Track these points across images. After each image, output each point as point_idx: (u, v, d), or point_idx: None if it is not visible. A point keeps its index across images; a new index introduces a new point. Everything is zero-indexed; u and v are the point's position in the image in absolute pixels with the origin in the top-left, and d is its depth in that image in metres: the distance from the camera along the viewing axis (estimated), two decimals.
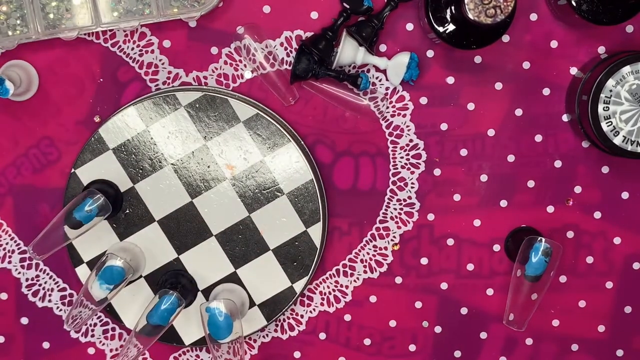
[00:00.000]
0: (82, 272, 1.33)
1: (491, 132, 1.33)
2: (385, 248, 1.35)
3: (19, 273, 1.35)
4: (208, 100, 1.29)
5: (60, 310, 1.36)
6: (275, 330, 1.36)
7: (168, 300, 1.25)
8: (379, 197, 1.34)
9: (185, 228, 1.31)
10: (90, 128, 1.32)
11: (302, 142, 1.32)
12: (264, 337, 1.36)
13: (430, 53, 1.31)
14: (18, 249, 1.35)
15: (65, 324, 1.26)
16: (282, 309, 1.33)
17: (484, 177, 1.33)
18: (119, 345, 1.37)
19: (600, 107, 1.24)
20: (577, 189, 1.33)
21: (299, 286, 1.32)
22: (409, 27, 1.31)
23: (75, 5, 1.28)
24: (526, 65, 1.31)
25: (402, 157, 1.33)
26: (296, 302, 1.35)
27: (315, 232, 1.31)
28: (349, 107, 1.29)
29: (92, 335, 1.37)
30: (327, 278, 1.35)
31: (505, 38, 1.30)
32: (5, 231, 1.35)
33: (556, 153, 1.33)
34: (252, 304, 1.33)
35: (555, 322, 1.36)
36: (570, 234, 1.34)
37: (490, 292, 1.35)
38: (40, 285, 1.36)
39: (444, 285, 1.35)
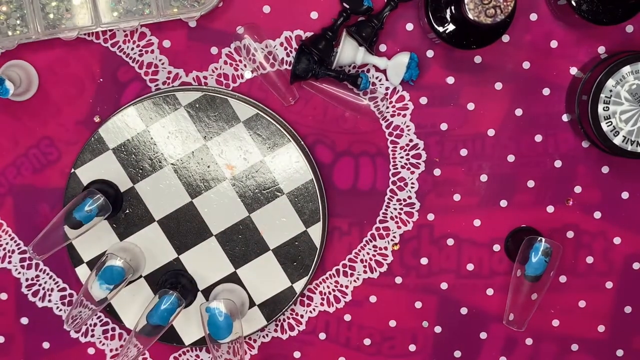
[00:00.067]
0: (82, 272, 1.33)
1: (491, 132, 1.33)
2: (385, 248, 1.35)
3: (19, 273, 1.35)
4: (208, 100, 1.29)
5: (60, 310, 1.36)
6: (275, 330, 1.36)
7: (168, 300, 1.25)
8: (379, 197, 1.34)
9: (185, 228, 1.31)
10: (90, 128, 1.32)
11: (302, 142, 1.32)
12: (264, 337, 1.36)
13: (430, 53, 1.31)
14: (18, 249, 1.35)
15: (65, 324, 1.26)
16: (282, 309, 1.33)
17: (484, 177, 1.33)
18: (119, 345, 1.37)
19: (600, 107, 1.24)
20: (577, 189, 1.33)
21: (299, 286, 1.32)
22: (409, 27, 1.31)
23: (75, 5, 1.28)
24: (526, 65, 1.31)
25: (402, 157, 1.33)
26: (296, 302, 1.35)
27: (315, 232, 1.31)
28: (349, 107, 1.29)
29: (92, 335, 1.37)
30: (327, 278, 1.35)
31: (505, 38, 1.30)
32: (5, 231, 1.35)
33: (556, 153, 1.33)
34: (252, 304, 1.33)
35: (555, 322, 1.36)
36: (570, 234, 1.34)
37: (490, 292, 1.35)
38: (40, 285, 1.36)
39: (444, 285, 1.35)
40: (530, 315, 1.27)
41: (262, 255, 1.32)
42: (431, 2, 1.23)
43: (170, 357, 1.37)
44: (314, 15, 1.30)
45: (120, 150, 1.30)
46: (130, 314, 1.33)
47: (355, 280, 1.35)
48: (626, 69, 1.23)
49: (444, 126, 1.32)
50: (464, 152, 1.33)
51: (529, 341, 1.36)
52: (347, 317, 1.36)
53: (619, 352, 1.36)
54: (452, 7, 1.23)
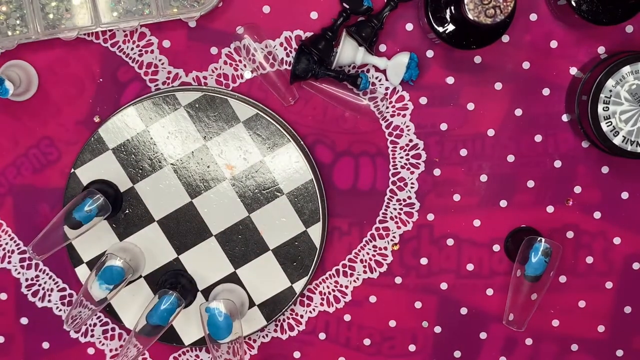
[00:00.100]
0: (82, 272, 1.33)
1: (491, 132, 1.32)
2: (385, 248, 1.35)
3: (19, 273, 1.35)
4: (208, 101, 1.29)
5: (60, 310, 1.36)
6: (275, 331, 1.36)
7: (168, 300, 1.25)
8: (378, 197, 1.34)
9: (185, 228, 1.31)
10: (90, 128, 1.32)
11: (302, 142, 1.32)
12: (263, 337, 1.36)
13: (430, 53, 1.31)
14: (18, 249, 1.35)
15: (65, 324, 1.26)
16: (281, 309, 1.33)
17: (483, 177, 1.33)
18: (119, 345, 1.37)
19: (600, 107, 1.24)
20: (577, 189, 1.33)
21: (298, 286, 1.32)
22: (409, 27, 1.31)
23: (75, 5, 1.28)
24: (526, 65, 1.31)
25: (402, 157, 1.33)
26: (296, 302, 1.35)
27: (315, 232, 1.31)
28: (348, 107, 1.29)
29: (92, 335, 1.37)
30: (326, 278, 1.35)
31: (505, 38, 1.30)
32: (5, 231, 1.35)
33: (556, 153, 1.33)
34: (251, 304, 1.33)
35: (555, 322, 1.36)
36: (570, 234, 1.34)
37: (490, 292, 1.35)
38: (40, 285, 1.36)
39: (443, 285, 1.35)
40: (530, 315, 1.27)
41: (262, 256, 1.32)
42: (431, 2, 1.23)
43: (170, 357, 1.37)
44: (313, 15, 1.30)
45: (120, 150, 1.30)
46: (130, 314, 1.33)
47: (355, 281, 1.35)
48: (626, 69, 1.23)
49: (443, 126, 1.32)
50: (463, 152, 1.33)
51: (528, 341, 1.36)
52: (347, 317, 1.36)
53: (619, 352, 1.36)
54: (452, 7, 1.22)
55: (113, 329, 1.37)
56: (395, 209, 1.34)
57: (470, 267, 1.35)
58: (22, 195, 1.34)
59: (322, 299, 1.35)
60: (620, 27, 1.30)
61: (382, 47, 1.31)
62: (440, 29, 1.24)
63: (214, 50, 1.31)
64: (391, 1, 1.28)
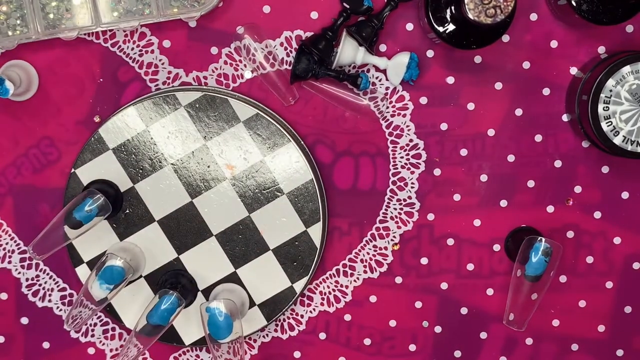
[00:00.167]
0: (82, 272, 1.33)
1: (491, 132, 1.32)
2: (385, 248, 1.35)
3: (19, 273, 1.35)
4: (208, 100, 1.29)
5: (60, 310, 1.36)
6: (275, 330, 1.36)
7: (168, 300, 1.25)
8: (379, 197, 1.34)
9: (185, 228, 1.31)
10: (90, 128, 1.32)
11: (302, 142, 1.32)
12: (264, 337, 1.36)
13: (430, 53, 1.31)
14: (18, 249, 1.35)
15: (65, 324, 1.26)
16: (282, 309, 1.33)
17: (484, 177, 1.33)
18: (119, 345, 1.37)
19: (600, 107, 1.24)
20: (577, 189, 1.33)
21: (299, 286, 1.32)
22: (409, 27, 1.31)
23: (75, 5, 1.28)
24: (526, 65, 1.31)
25: (402, 157, 1.33)
26: (296, 302, 1.35)
27: (315, 232, 1.31)
28: (349, 107, 1.29)
29: (92, 335, 1.37)
30: (327, 278, 1.35)
31: (505, 38, 1.30)
32: (5, 231, 1.35)
33: (556, 153, 1.33)
34: (252, 304, 1.33)
35: (555, 322, 1.36)
36: (570, 234, 1.34)
37: (490, 292, 1.35)
38: (40, 285, 1.36)
39: (444, 285, 1.35)
40: (530, 315, 1.27)
41: (262, 255, 1.32)
42: (431, 2, 1.23)
43: (170, 357, 1.37)
44: (314, 15, 1.30)
45: (120, 150, 1.30)
46: (130, 314, 1.33)
47: (355, 280, 1.35)
48: (626, 69, 1.23)
49: (444, 126, 1.32)
50: (464, 152, 1.33)
51: (529, 341, 1.36)
52: (347, 317, 1.36)
53: (619, 352, 1.36)
54: (452, 7, 1.23)
55: (113, 329, 1.37)
56: (395, 209, 1.34)
57: (470, 267, 1.35)
58: (22, 195, 1.34)
59: (323, 298, 1.36)
60: (620, 27, 1.30)
61: (383, 47, 1.31)
62: (441, 29, 1.24)
63: (214, 50, 1.31)
64: (391, 1, 1.28)
